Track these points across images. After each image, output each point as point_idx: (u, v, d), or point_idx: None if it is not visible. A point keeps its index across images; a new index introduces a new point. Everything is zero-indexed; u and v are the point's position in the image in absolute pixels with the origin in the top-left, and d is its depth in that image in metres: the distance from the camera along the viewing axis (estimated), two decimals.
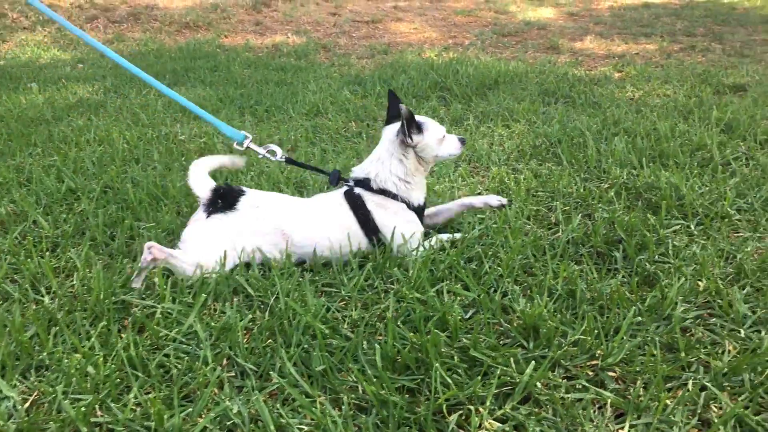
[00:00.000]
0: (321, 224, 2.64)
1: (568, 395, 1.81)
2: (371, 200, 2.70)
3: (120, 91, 5.90)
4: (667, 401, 1.77)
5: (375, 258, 2.58)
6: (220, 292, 2.36)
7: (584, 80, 6.10)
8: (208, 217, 2.56)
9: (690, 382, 1.86)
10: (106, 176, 3.48)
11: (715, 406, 1.77)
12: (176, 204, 3.15)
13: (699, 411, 1.75)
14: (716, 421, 1.69)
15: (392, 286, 2.42)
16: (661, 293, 2.28)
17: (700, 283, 2.36)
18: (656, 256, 2.58)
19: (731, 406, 1.72)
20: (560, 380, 1.86)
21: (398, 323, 2.13)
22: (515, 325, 2.13)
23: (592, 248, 2.70)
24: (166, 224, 2.88)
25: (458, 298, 2.30)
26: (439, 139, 2.77)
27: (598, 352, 1.98)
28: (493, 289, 2.38)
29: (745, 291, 2.33)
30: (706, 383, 1.84)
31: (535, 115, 4.87)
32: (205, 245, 2.49)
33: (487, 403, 1.75)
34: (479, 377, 1.84)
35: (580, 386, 1.85)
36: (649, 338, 2.06)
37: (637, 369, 1.91)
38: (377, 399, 1.77)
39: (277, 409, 1.77)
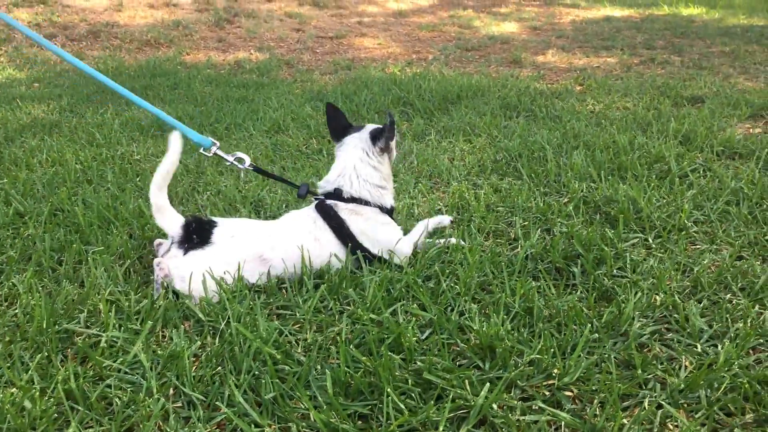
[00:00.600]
0: (298, 243, 2.58)
1: (524, 417, 1.77)
2: (344, 209, 2.69)
3: (76, 111, 5.78)
4: (624, 420, 1.74)
5: (330, 279, 2.52)
6: (169, 318, 2.28)
7: (546, 94, 6.13)
8: (185, 254, 2.46)
9: (646, 400, 1.83)
10: (56, 198, 3.38)
11: (672, 425, 1.75)
12: (128, 226, 3.06)
13: (656, 430, 1.72)
14: None
15: (348, 307, 2.37)
16: (617, 309, 2.26)
17: (657, 297, 2.35)
18: (614, 271, 2.57)
19: (687, 425, 1.70)
20: (516, 402, 1.82)
21: (352, 346, 2.07)
22: (472, 344, 2.09)
23: (551, 264, 2.68)
24: (116, 248, 2.80)
25: (415, 318, 2.26)
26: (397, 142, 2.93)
27: (555, 371, 1.95)
28: (450, 308, 2.34)
29: (702, 304, 2.32)
30: (662, 401, 1.81)
31: (497, 129, 4.87)
32: (192, 279, 2.39)
33: (441, 429, 1.70)
34: (432, 401, 1.79)
35: (536, 407, 1.82)
36: (605, 355, 2.03)
37: (594, 388, 1.88)
38: (327, 428, 1.71)
39: None
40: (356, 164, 2.75)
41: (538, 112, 5.39)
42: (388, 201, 2.82)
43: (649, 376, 1.94)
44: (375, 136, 2.77)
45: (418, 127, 5.04)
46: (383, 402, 1.78)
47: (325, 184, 2.79)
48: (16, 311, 2.33)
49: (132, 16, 10.36)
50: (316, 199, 2.78)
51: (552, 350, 2.01)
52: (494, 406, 1.79)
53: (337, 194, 2.72)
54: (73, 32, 9.35)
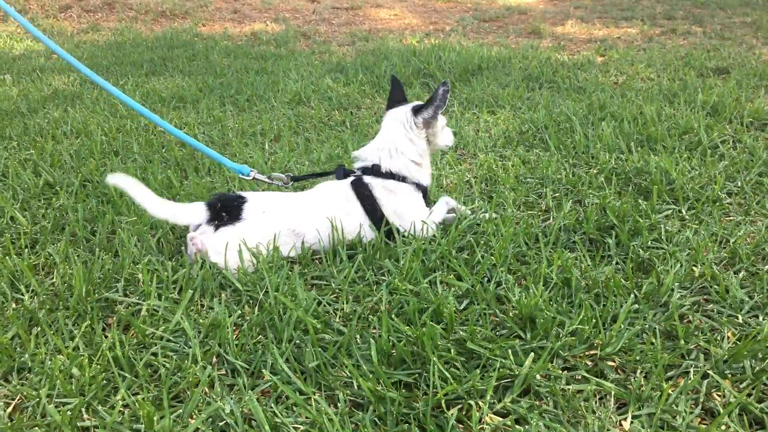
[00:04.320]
0: (328, 217, 2.56)
1: (569, 387, 1.77)
2: (380, 185, 2.67)
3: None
4: (669, 391, 1.74)
5: (365, 249, 2.52)
6: (206, 287, 2.29)
7: (567, 65, 6.06)
8: (216, 230, 2.45)
9: (691, 370, 1.83)
10: (85, 169, 3.39)
11: (718, 395, 1.75)
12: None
13: (702, 400, 1.72)
14: (721, 410, 1.66)
15: (384, 278, 2.37)
16: (657, 280, 2.24)
17: (695, 268, 2.33)
18: (649, 242, 2.55)
19: (735, 395, 1.70)
20: (560, 371, 1.82)
21: (392, 316, 2.08)
22: (511, 315, 2.09)
23: (585, 235, 2.66)
24: (148, 218, 2.80)
25: (452, 288, 2.25)
26: (443, 126, 2.85)
27: (597, 341, 1.94)
28: (486, 278, 2.33)
29: (740, 276, 2.31)
30: (708, 371, 1.81)
31: (520, 100, 4.83)
32: (226, 253, 2.40)
33: (487, 397, 1.70)
34: (477, 370, 1.79)
35: (580, 377, 1.82)
36: (647, 326, 2.03)
37: (637, 358, 1.88)
38: (374, 395, 1.72)
39: (271, 407, 1.71)
40: (394, 137, 2.73)
41: (561, 83, 5.33)
42: (425, 179, 2.80)
43: (692, 347, 1.93)
44: (417, 110, 2.74)
45: None
46: (428, 371, 1.79)
47: (363, 158, 2.77)
48: (54, 280, 2.34)
49: None
50: (353, 175, 2.75)
51: (593, 321, 2.00)
52: (538, 375, 1.79)
53: (375, 170, 2.70)
54: (88, 3, 9.30)
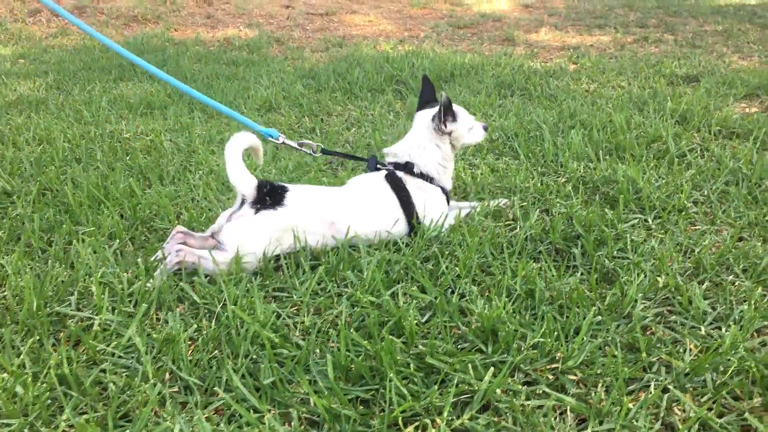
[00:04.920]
0: (366, 210, 2.67)
1: (529, 402, 1.73)
2: (412, 183, 2.78)
3: (63, 87, 5.66)
4: (630, 405, 1.71)
5: (327, 260, 2.47)
6: (163, 300, 2.23)
7: (540, 72, 6.07)
8: (256, 213, 2.47)
9: (652, 384, 1.81)
10: (44, 178, 3.31)
11: (679, 409, 1.72)
12: (119, 206, 2.99)
13: (662, 414, 1.69)
14: (680, 426, 1.64)
15: (346, 290, 2.32)
16: (620, 291, 2.22)
17: (659, 279, 2.31)
18: (615, 252, 2.53)
19: (695, 410, 1.67)
20: (520, 386, 1.79)
21: (351, 329, 2.04)
22: (473, 327, 2.05)
23: (551, 245, 2.64)
24: (108, 228, 2.74)
25: (415, 300, 2.21)
26: (469, 128, 2.95)
27: (559, 354, 1.92)
28: (450, 290, 2.30)
29: (704, 286, 2.30)
30: (669, 385, 1.79)
31: (492, 108, 4.82)
32: (252, 241, 2.44)
33: (445, 414, 1.66)
34: (436, 386, 1.75)
35: (541, 392, 1.78)
36: (609, 338, 2.01)
37: (598, 372, 1.85)
38: (329, 413, 1.67)
39: (222, 427, 1.65)
40: (422, 141, 2.86)
41: (533, 90, 5.33)
42: (448, 183, 2.93)
43: (654, 360, 1.91)
44: (434, 116, 2.84)
45: (412, 106, 4.97)
46: (385, 387, 1.75)
47: (396, 155, 2.87)
48: (5, 293, 2.27)
49: None
50: (385, 169, 2.84)
51: (555, 333, 1.98)
52: (498, 390, 1.76)
53: (408, 168, 2.80)
54: None
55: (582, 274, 2.43)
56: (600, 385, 1.81)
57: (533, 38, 8.36)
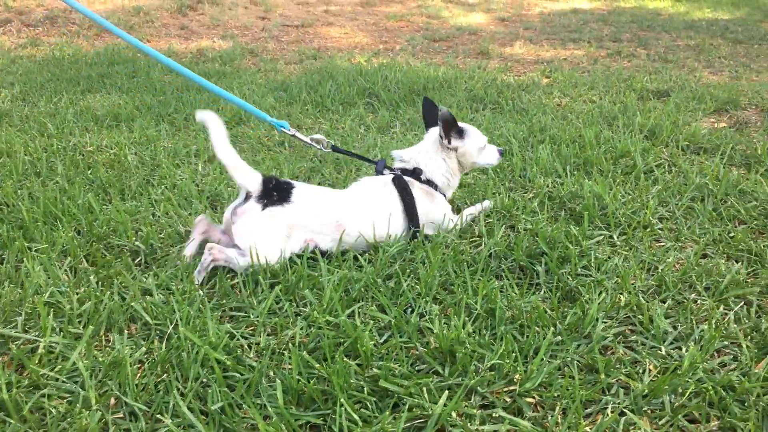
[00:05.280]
0: (370, 211, 2.71)
1: (483, 427, 1.69)
2: (418, 188, 2.85)
3: (29, 99, 5.55)
4: (587, 429, 1.68)
5: (286, 278, 2.42)
6: (114, 321, 2.16)
7: (513, 86, 6.07)
8: (263, 209, 2.51)
9: (609, 406, 1.77)
10: (1, 192, 3.22)
11: None
12: (75, 222, 2.92)
13: None
14: None
15: (305, 309, 2.27)
16: (581, 310, 2.19)
17: (621, 297, 2.29)
18: (579, 269, 2.51)
19: None
20: (475, 410, 1.75)
21: (306, 351, 1.98)
22: (431, 348, 2.01)
23: (515, 262, 2.61)
24: (62, 245, 2.66)
25: (373, 321, 2.17)
26: (480, 148, 3.00)
27: (517, 376, 1.88)
28: (410, 309, 2.25)
29: (666, 305, 2.28)
30: (625, 408, 1.75)
31: (463, 121, 4.79)
32: (265, 238, 2.49)
33: None
34: (389, 410, 1.71)
35: (497, 416, 1.74)
36: (569, 359, 1.97)
37: (556, 394, 1.81)
38: None
39: None
40: (431, 152, 2.93)
41: (504, 104, 5.33)
42: (449, 193, 3.01)
43: (613, 381, 1.88)
44: (440, 132, 2.90)
45: (383, 119, 4.94)
46: (336, 412, 1.69)
47: (404, 161, 2.95)
48: None
49: (91, 2, 10.07)
50: (392, 173, 2.90)
51: (514, 354, 1.94)
52: (453, 414, 1.72)
53: (415, 174, 2.88)
54: (29, 17, 9.04)
55: (545, 292, 2.40)
56: (557, 408, 1.77)
57: (508, 52, 8.39)
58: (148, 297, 2.28)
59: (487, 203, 3.13)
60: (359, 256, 2.61)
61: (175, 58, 7.73)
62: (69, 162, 3.81)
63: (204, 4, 10.52)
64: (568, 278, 2.43)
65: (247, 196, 2.54)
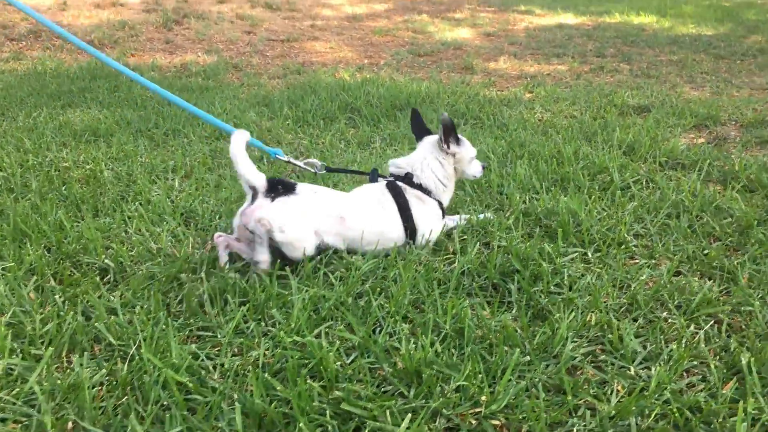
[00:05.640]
0: (369, 212, 2.82)
1: None
2: (411, 193, 2.94)
3: (8, 114, 5.50)
4: None
5: (255, 297, 2.39)
6: (77, 341, 2.12)
7: (495, 101, 6.08)
8: (272, 201, 2.59)
9: (575, 428, 1.75)
10: None
11: None
12: (45, 239, 2.88)
13: None
14: None
15: (273, 329, 2.24)
16: (551, 329, 2.17)
17: (592, 315, 2.27)
18: (551, 287, 2.49)
19: None
20: None
21: (270, 372, 1.95)
22: (398, 369, 1.98)
23: (487, 280, 2.59)
24: (30, 263, 2.62)
25: (341, 341, 2.14)
26: (471, 158, 3.13)
27: (483, 398, 1.85)
28: (379, 328, 2.23)
29: (637, 323, 2.26)
30: (592, 431, 1.73)
31: None
32: (291, 222, 2.58)
33: None
34: None
35: None
36: (536, 380, 1.95)
37: (522, 416, 1.79)
38: None
39: None
40: (426, 156, 3.02)
41: (485, 119, 5.33)
42: (445, 200, 3.07)
43: (580, 402, 1.86)
44: (439, 137, 3.00)
45: (363, 135, 4.93)
46: None
47: (397, 168, 3.05)
48: None
49: (76, 16, 10.04)
50: (386, 179, 3.00)
51: (480, 375, 1.92)
52: None
53: (408, 179, 2.97)
54: (12, 32, 9.00)
55: (516, 310, 2.38)
56: (523, 430, 1.75)
57: (492, 66, 8.42)
58: (113, 316, 2.24)
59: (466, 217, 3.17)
60: (330, 274, 2.58)
61: (158, 72, 7.72)
62: (44, 178, 3.76)
63: (190, 18, 10.51)
64: (540, 296, 2.41)
65: (254, 198, 2.61)
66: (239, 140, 2.64)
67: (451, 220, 3.10)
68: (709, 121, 5.17)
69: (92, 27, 9.38)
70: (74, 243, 2.83)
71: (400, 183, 2.96)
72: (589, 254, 2.80)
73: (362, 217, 2.78)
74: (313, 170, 3.16)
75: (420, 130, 3.16)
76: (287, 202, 2.61)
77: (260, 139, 4.82)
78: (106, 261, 2.69)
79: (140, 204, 3.39)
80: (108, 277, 2.64)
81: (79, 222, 3.14)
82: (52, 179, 3.76)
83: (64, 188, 3.61)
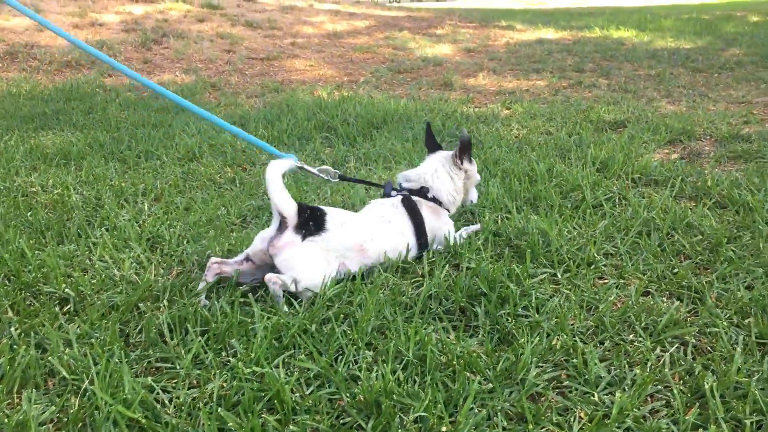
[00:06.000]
0: (386, 233, 2.86)
1: None
2: (426, 206, 3.02)
3: None
4: None
5: (216, 327, 2.34)
6: (29, 376, 2.07)
7: (472, 118, 6.09)
8: (303, 239, 2.59)
9: None
10: None
11: None
12: (6, 268, 2.82)
13: None
14: None
15: (233, 359, 2.19)
16: (515, 354, 2.14)
17: (558, 339, 2.24)
18: (518, 310, 2.46)
19: None
20: None
21: (228, 405, 1.90)
22: (357, 399, 1.94)
23: (455, 303, 2.55)
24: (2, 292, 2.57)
25: (302, 370, 2.09)
26: (476, 181, 3.28)
27: (443, 428, 1.81)
28: (342, 356, 2.18)
29: (603, 346, 2.23)
30: None
31: (418, 155, 4.77)
32: (312, 268, 2.57)
33: None
34: None
35: None
36: (499, 408, 1.91)
37: None
38: None
39: None
40: (438, 168, 3.12)
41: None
42: (452, 210, 3.18)
43: (542, 430, 1.82)
44: (455, 151, 3.13)
45: (338, 154, 4.91)
46: None
47: (410, 180, 3.12)
48: None
49: (54, 37, 9.98)
50: (400, 194, 3.05)
51: (440, 405, 1.87)
52: None
53: (422, 193, 3.05)
54: None
55: (482, 335, 2.34)
56: None
57: (471, 83, 8.44)
58: (68, 349, 2.19)
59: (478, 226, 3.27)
60: (294, 301, 2.54)
61: (134, 92, 7.67)
62: (10, 203, 3.70)
63: (169, 37, 10.49)
64: (506, 320, 2.38)
65: (282, 226, 2.59)
66: (279, 168, 2.64)
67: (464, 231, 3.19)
68: (683, 136, 5.19)
69: (70, 47, 9.33)
70: (35, 272, 2.77)
71: (415, 198, 3.02)
72: (559, 275, 2.77)
73: (381, 243, 2.82)
74: (326, 177, 3.18)
75: (432, 144, 3.26)
76: (315, 241, 2.61)
77: (233, 160, 4.79)
78: (66, 290, 2.63)
79: (106, 230, 3.33)
80: (68, 307, 2.58)
81: (42, 249, 3.08)
82: (18, 205, 3.70)
83: (29, 214, 3.55)
